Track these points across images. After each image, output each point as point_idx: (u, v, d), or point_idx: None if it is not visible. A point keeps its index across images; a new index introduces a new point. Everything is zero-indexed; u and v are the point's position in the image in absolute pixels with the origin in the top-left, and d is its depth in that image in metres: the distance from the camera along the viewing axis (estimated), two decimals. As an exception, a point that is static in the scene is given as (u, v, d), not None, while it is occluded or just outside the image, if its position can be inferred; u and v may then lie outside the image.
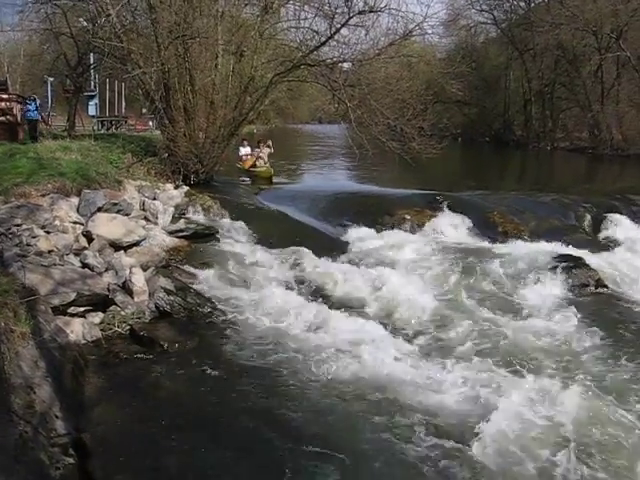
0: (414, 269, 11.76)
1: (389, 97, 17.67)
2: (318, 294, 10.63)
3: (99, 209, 12.22)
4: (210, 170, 16.95)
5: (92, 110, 33.10)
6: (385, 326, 9.39)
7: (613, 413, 7.02)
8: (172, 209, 13.85)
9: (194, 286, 10.34)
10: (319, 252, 12.04)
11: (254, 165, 22.72)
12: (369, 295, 10.71)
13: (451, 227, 14.57)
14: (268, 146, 23.19)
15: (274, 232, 13.27)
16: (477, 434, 6.43)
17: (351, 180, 24.02)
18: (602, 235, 15.75)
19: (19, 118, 20.24)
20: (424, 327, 9.47)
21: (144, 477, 5.63)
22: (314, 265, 11.62)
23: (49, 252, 10.05)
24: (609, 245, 14.75)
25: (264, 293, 10.22)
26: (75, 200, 12.52)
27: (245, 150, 23.30)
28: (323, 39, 16.48)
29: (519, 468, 6.01)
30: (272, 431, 6.44)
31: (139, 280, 9.81)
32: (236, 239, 12.93)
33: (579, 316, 10.35)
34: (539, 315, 10.26)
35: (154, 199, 14.08)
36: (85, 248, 10.96)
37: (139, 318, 9.21)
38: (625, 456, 6.24)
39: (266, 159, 22.85)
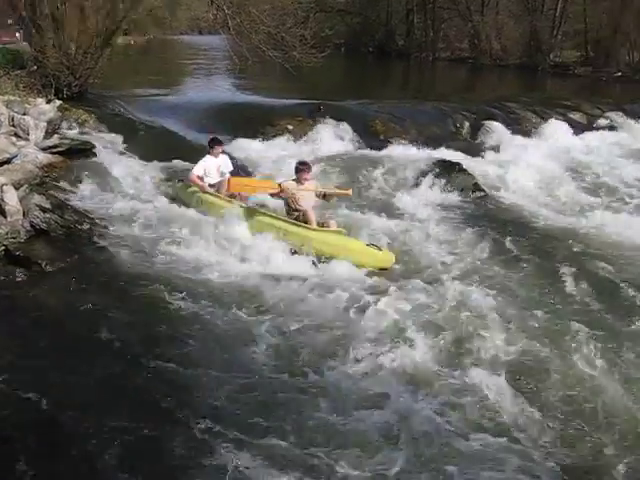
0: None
1: (269, 4, 17.29)
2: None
3: (-37, 126, 11.52)
4: (84, 83, 16.19)
5: (-49, 21, 30.77)
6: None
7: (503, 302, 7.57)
8: (44, 124, 13.15)
9: (71, 203, 10.04)
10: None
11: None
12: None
13: (333, 136, 14.63)
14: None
15: (152, 145, 12.93)
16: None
17: (232, 91, 23.46)
18: (479, 141, 16.28)
19: None
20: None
21: (23, 399, 5.49)
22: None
23: None
24: (486, 151, 15.25)
25: (143, 207, 10.04)
26: (-64, 117, 11.74)
27: (216, 164, 10.73)
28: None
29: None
30: (154, 346, 6.41)
31: (12, 199, 9.39)
32: (113, 153, 12.53)
33: (458, 218, 10.81)
34: (419, 218, 10.58)
35: (24, 114, 13.30)
36: (-51, 167, 10.37)
37: (14, 238, 8.85)
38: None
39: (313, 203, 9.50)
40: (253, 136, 13.76)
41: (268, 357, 6.30)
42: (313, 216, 9.14)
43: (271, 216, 9.38)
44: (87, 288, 7.65)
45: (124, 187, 10.95)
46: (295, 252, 8.70)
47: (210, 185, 10.45)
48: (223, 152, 11.04)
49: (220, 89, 23.64)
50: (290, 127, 14.79)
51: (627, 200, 12.68)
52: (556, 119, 18.32)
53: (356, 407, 5.52)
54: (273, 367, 6.13)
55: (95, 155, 12.33)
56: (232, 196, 10.11)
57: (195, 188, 10.43)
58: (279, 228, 9.04)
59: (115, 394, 5.65)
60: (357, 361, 6.23)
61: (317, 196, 9.55)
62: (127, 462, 4.80)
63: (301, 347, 6.48)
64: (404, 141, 15.03)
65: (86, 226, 9.36)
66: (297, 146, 13.88)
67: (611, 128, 18.77)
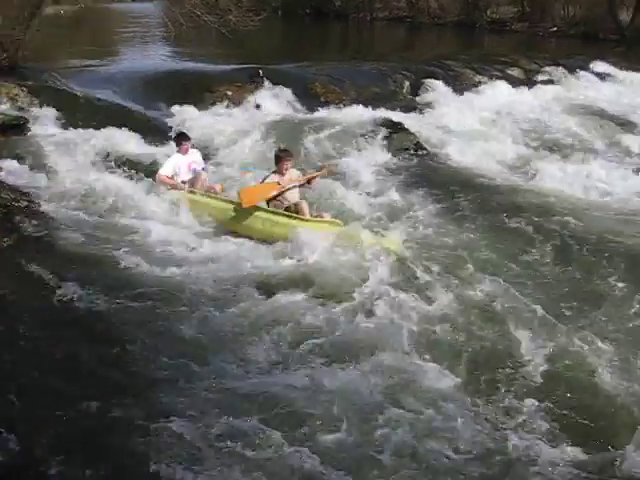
0: (236, 142, 11.68)
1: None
2: (140, 177, 10.24)
3: None
4: (13, 56, 15.62)
5: None
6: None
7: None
8: (-27, 101, 12.76)
9: (7, 181, 9.73)
10: (139, 134, 11.58)
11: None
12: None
13: (273, 100, 14.52)
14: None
15: (89, 118, 12.52)
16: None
17: (169, 59, 22.94)
18: (420, 100, 16.35)
19: None
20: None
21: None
22: (134, 148, 11.19)
23: None
24: (426, 109, 15.32)
25: (83, 181, 9.81)
26: None
27: (186, 162, 9.64)
28: None
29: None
30: (96, 327, 6.28)
31: (-57, 179, 9.11)
32: (48, 127, 12.11)
33: (401, 178, 10.85)
34: (368, 184, 10.54)
35: (-49, 92, 12.89)
36: None
37: (-52, 219, 8.59)
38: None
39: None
40: (192, 104, 13.51)
41: (251, 357, 5.92)
42: (306, 207, 8.39)
43: (264, 209, 8.55)
44: (27, 268, 7.43)
45: (61, 163, 10.61)
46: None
47: (182, 182, 9.46)
48: (193, 146, 9.97)
49: (156, 57, 23.13)
50: (229, 93, 14.61)
51: (570, 154, 12.88)
52: (495, 76, 18.49)
53: (353, 411, 5.16)
54: (258, 369, 5.77)
55: (29, 130, 11.96)
56: (210, 190, 9.30)
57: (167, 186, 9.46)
58: (269, 220, 8.34)
59: (59, 377, 5.50)
60: (348, 364, 5.81)
61: (302, 185, 8.81)
62: (75, 451, 4.65)
63: (291, 353, 5.99)
64: (344, 102, 15.01)
65: (23, 203, 9.12)
66: (237, 112, 13.72)
67: (549, 83, 19.02)
